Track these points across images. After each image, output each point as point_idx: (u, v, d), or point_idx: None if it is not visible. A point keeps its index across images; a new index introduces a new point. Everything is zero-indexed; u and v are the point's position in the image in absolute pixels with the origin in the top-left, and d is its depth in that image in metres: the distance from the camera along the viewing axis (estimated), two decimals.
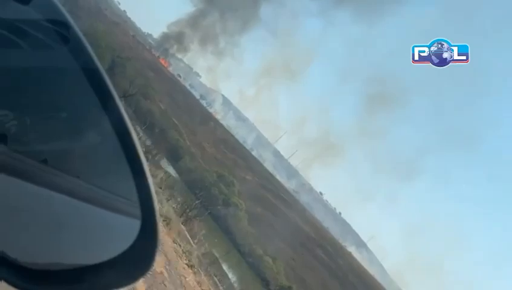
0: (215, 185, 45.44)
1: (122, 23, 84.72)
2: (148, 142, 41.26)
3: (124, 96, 36.56)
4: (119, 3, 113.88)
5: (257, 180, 64.19)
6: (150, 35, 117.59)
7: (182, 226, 22.99)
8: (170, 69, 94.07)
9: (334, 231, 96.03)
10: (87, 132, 1.30)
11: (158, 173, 30.30)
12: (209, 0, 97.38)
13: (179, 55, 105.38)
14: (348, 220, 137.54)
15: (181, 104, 66.64)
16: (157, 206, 1.25)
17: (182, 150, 49.52)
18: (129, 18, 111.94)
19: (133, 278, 1.19)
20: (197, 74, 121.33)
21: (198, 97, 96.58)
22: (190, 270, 16.25)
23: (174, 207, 24.92)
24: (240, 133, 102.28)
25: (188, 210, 29.06)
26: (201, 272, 18.78)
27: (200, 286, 15.75)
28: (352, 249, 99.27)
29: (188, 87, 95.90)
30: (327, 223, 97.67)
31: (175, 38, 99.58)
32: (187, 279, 14.40)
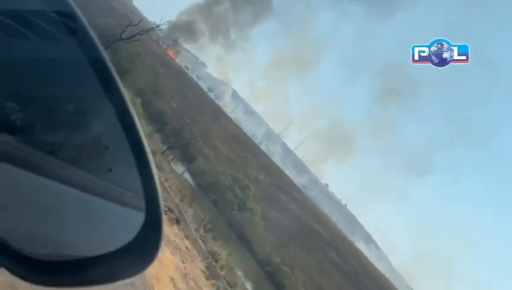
0: (231, 189, 44.01)
1: (129, 14, 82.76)
2: (162, 145, 39.97)
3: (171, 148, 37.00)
4: None
5: (269, 179, 62.98)
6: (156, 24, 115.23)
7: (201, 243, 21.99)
8: (178, 60, 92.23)
9: (342, 225, 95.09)
10: (93, 124, 1.30)
11: (170, 178, 29.22)
12: None
13: (187, 46, 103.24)
14: (353, 212, 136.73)
15: (192, 100, 65.19)
16: (161, 198, 1.26)
17: (195, 151, 48.00)
18: (136, 8, 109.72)
19: (136, 269, 1.20)
20: (204, 64, 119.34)
21: (206, 89, 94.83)
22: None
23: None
24: (249, 126, 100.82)
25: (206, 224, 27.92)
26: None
27: None
28: (360, 244, 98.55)
29: (196, 79, 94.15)
30: (334, 216, 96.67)
31: (184, 28, 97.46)
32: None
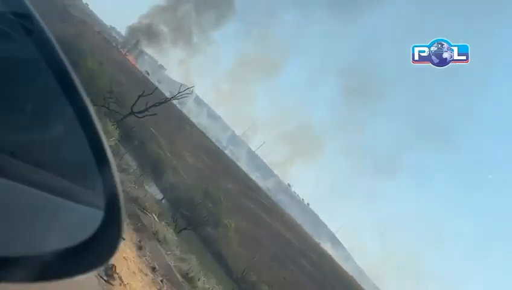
0: (203, 204, 42.68)
1: (86, 18, 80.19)
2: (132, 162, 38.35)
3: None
4: None
5: (237, 187, 61.85)
6: (114, 28, 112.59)
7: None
8: (138, 66, 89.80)
9: (307, 225, 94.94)
10: (52, 123, 1.31)
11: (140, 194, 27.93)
12: None
13: (147, 50, 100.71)
14: (316, 211, 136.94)
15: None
16: (122, 196, 1.28)
17: (163, 164, 46.48)
18: (91, 11, 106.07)
19: (92, 266, 1.23)
20: (162, 67, 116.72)
21: (168, 94, 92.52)
22: None
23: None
24: (213, 131, 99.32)
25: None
26: None
27: None
28: (328, 246, 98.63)
29: (157, 84, 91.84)
30: (300, 217, 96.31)
31: (144, 31, 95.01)
32: None
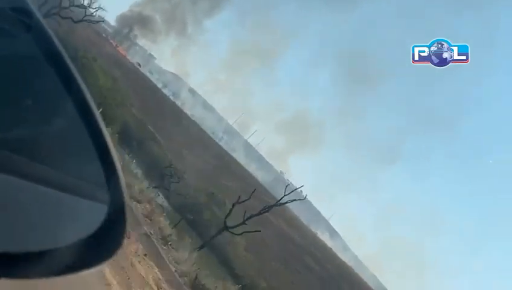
0: (208, 208, 41.00)
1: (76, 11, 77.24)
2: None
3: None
4: None
5: (239, 184, 60.11)
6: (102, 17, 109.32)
7: None
8: (129, 57, 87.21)
9: (303, 215, 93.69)
10: (53, 118, 1.31)
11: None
12: None
13: (138, 40, 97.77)
14: (309, 198, 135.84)
15: (150, 102, 61.26)
16: (125, 190, 1.28)
17: (163, 165, 44.55)
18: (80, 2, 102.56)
19: (97, 261, 1.23)
20: (152, 56, 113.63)
21: (160, 86, 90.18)
22: None
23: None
24: (209, 123, 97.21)
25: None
26: None
27: None
28: (326, 237, 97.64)
29: (148, 75, 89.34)
30: (294, 207, 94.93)
31: (134, 21, 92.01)
32: None
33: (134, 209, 20.86)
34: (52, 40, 1.29)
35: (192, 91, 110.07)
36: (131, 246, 14.44)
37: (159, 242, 21.33)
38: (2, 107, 1.21)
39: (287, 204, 41.23)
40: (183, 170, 46.46)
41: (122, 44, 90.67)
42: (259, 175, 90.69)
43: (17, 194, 1.14)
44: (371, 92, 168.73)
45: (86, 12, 47.07)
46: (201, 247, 30.40)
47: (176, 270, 19.89)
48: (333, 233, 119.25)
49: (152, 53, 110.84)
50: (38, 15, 1.30)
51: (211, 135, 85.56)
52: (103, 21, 52.57)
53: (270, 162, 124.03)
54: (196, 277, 20.91)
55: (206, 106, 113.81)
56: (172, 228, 27.48)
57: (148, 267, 15.59)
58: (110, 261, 1.24)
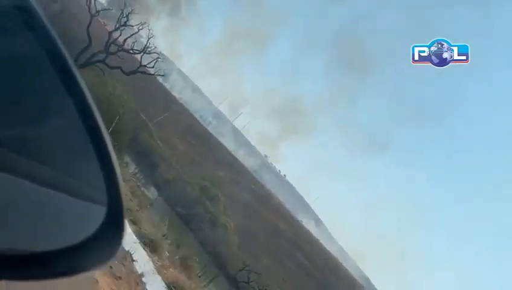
0: (200, 202, 39.81)
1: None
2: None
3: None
4: None
5: (229, 175, 59.25)
6: None
7: None
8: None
9: (288, 202, 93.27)
10: (53, 117, 1.30)
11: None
12: None
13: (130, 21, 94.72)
14: (292, 183, 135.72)
15: (139, 84, 59.37)
16: (123, 192, 1.27)
17: (155, 156, 43.16)
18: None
19: (96, 264, 1.23)
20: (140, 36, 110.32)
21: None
22: None
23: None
24: (198, 107, 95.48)
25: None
26: None
27: None
28: (311, 225, 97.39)
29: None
30: (276, 190, 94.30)
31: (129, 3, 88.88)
32: None
33: None
34: (54, 39, 1.25)
35: (181, 74, 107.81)
36: None
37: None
38: (2, 105, 1.18)
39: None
40: (174, 159, 45.31)
41: (110, 22, 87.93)
42: (248, 161, 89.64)
43: (15, 194, 1.13)
44: (365, 79, 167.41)
45: (141, 60, 41.04)
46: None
47: None
48: (319, 221, 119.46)
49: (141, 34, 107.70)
50: (41, 13, 1.26)
51: (199, 119, 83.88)
52: (163, 76, 47.72)
53: (257, 147, 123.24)
54: None
55: (196, 90, 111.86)
56: None
57: None
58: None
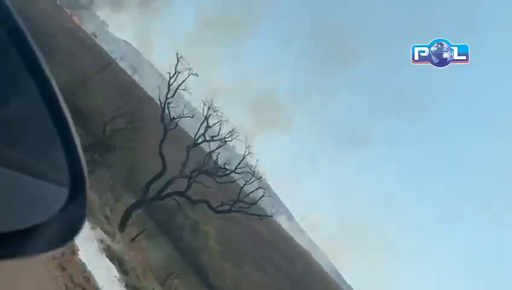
0: (180, 209, 37.95)
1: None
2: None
3: None
4: None
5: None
6: None
7: None
8: (84, 27, 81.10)
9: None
10: (16, 100, 1.29)
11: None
12: None
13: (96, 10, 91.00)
14: (270, 180, 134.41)
15: (111, 81, 56.81)
16: (86, 171, 1.29)
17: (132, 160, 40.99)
18: None
19: (56, 244, 1.24)
20: (104, 23, 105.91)
21: (118, 58, 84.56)
22: None
23: None
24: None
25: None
26: None
27: None
28: (282, 219, 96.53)
29: (104, 46, 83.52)
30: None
31: None
32: None
33: None
34: (11, 13, 1.25)
35: (152, 65, 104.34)
36: None
37: None
38: None
39: None
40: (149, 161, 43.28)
41: (76, 13, 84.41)
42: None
43: None
44: (344, 71, 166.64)
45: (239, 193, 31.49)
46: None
47: None
48: (290, 217, 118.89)
49: (104, 20, 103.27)
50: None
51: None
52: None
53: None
54: None
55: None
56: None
57: None
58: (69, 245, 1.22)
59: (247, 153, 32.01)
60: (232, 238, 45.41)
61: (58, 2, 76.63)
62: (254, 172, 31.68)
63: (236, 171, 31.45)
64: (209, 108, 33.12)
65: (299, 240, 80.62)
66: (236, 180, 31.97)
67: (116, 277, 17.49)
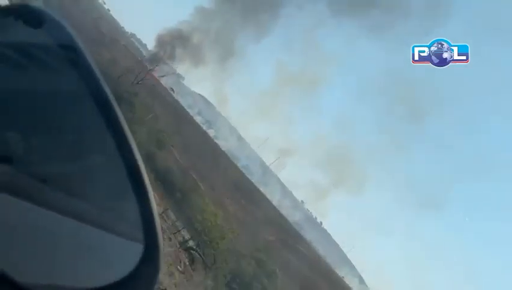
0: (256, 279, 35.87)
1: (114, 31, 73.94)
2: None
3: None
4: (104, 3, 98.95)
5: (280, 237, 55.41)
6: (134, 35, 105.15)
7: None
8: (162, 82, 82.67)
9: (330, 258, 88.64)
10: (93, 155, 1.33)
11: None
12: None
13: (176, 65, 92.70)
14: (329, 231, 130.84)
15: (191, 140, 56.73)
16: (160, 230, 1.27)
17: (209, 223, 39.55)
18: (114, 19, 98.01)
19: None
20: (180, 76, 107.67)
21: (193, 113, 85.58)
22: None
23: None
24: (242, 156, 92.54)
25: None
26: None
27: None
28: (355, 283, 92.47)
29: (181, 100, 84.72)
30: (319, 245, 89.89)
31: (173, 44, 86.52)
32: None
33: None
34: (98, 78, 1.27)
35: (226, 121, 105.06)
36: None
37: None
38: (43, 141, 1.22)
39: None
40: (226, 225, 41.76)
41: (155, 70, 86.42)
42: (294, 216, 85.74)
43: (49, 227, 1.13)
44: (421, 130, 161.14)
45: None
46: None
47: None
48: (361, 279, 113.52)
49: (180, 72, 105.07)
50: (86, 51, 1.28)
51: (244, 171, 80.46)
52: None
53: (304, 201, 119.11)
54: None
55: (241, 138, 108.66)
56: None
57: None
58: None
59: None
60: None
61: (139, 58, 78.63)
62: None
63: None
64: None
65: None
66: None
67: None
